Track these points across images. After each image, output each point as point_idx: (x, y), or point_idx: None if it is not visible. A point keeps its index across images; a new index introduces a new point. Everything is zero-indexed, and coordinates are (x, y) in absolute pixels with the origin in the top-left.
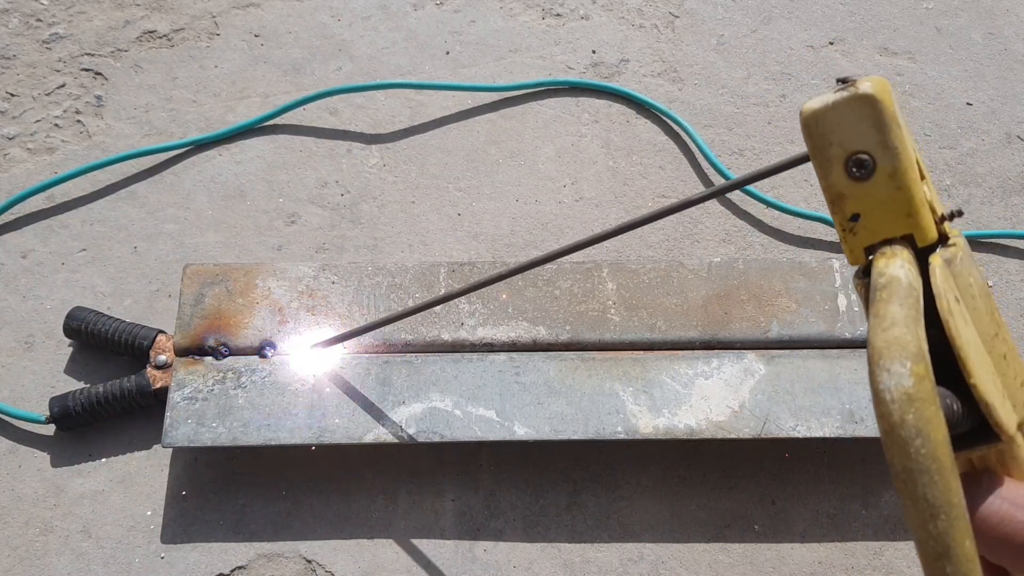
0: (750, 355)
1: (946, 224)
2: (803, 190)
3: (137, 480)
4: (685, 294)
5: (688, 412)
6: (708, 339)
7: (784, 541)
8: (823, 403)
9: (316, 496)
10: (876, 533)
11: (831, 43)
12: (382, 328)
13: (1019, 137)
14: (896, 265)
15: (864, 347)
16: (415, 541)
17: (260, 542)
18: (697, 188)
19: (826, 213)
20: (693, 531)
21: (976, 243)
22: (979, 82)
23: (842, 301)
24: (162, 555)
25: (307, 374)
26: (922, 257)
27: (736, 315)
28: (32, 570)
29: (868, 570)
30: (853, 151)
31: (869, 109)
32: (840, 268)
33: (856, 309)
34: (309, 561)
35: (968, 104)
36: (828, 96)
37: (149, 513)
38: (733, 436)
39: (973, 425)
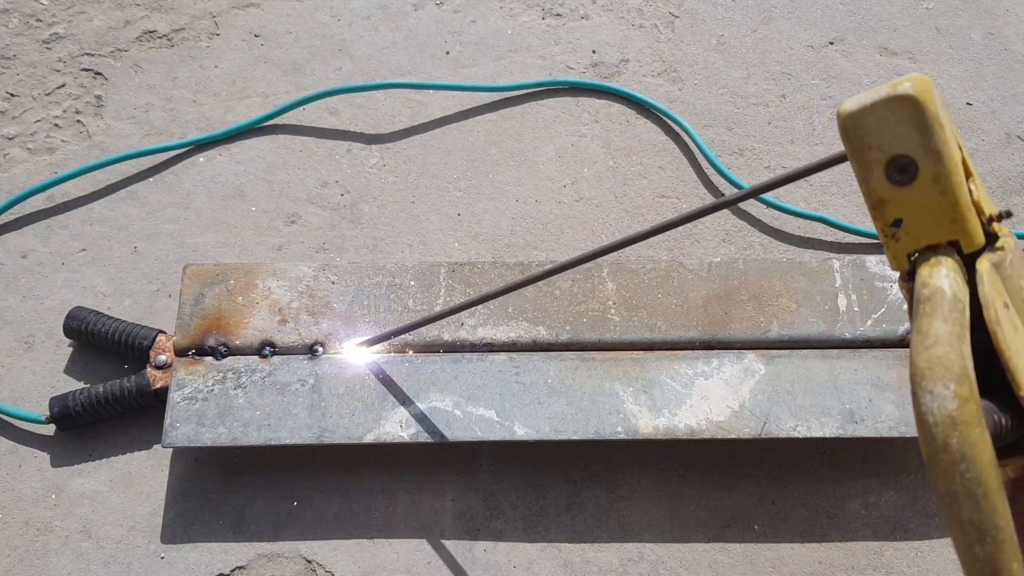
0: (750, 355)
1: (995, 224)
2: (803, 190)
3: (137, 480)
4: (685, 294)
5: (688, 412)
6: (708, 339)
7: (784, 541)
8: (823, 403)
9: (316, 496)
10: (876, 533)
11: (831, 43)
12: (381, 328)
13: (1019, 137)
14: (940, 275)
15: (864, 347)
16: (415, 541)
17: (260, 542)
18: (697, 188)
19: (826, 213)
20: (693, 531)
21: None
22: (979, 82)
23: (842, 301)
24: (162, 555)
25: (305, 374)
26: (969, 260)
27: (736, 315)
28: (32, 570)
29: (868, 570)
30: (894, 155)
31: (909, 110)
32: (840, 268)
33: (856, 309)
34: (309, 561)
35: (968, 104)
36: (866, 96)
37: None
38: (733, 436)
39: (1023, 435)
